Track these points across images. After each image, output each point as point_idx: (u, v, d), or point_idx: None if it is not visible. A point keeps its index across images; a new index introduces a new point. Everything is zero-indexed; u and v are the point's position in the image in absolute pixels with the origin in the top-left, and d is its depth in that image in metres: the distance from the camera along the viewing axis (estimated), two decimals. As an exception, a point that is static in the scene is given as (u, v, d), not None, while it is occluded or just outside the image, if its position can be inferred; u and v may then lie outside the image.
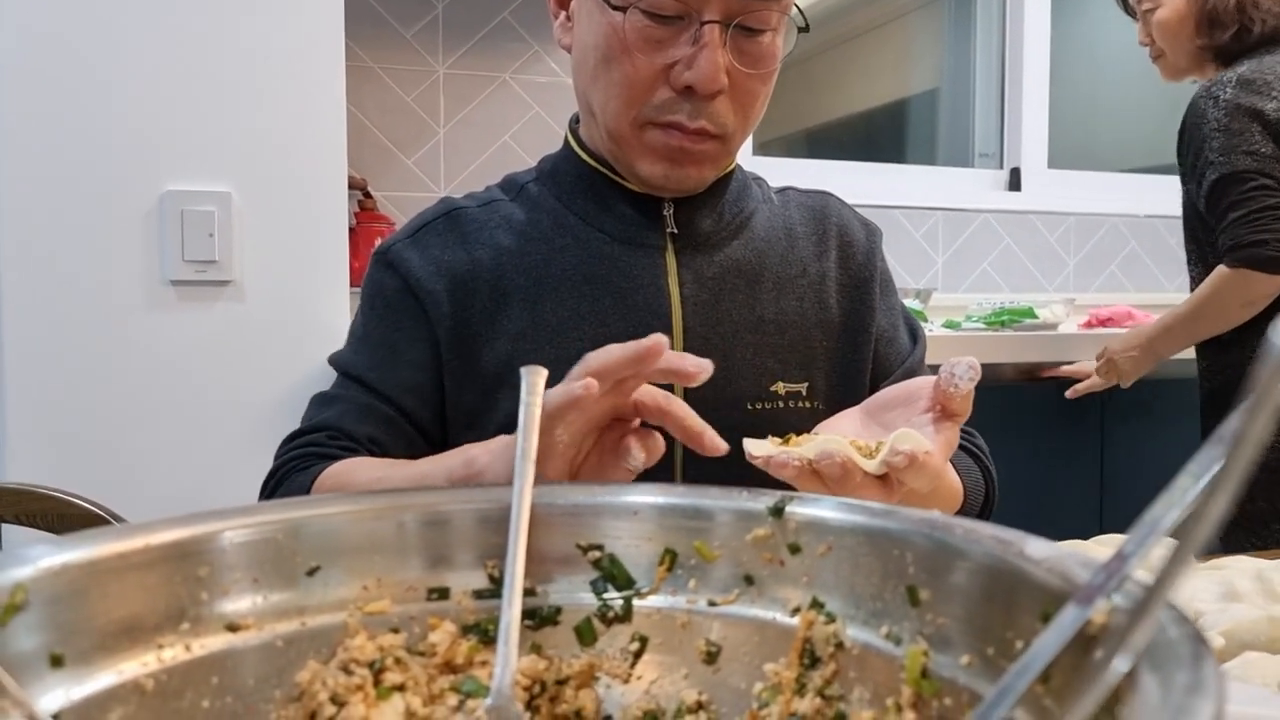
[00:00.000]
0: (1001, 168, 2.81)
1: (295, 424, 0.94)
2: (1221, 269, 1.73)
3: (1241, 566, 0.72)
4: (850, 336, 0.98)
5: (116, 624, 0.41)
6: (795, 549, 0.48)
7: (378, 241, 2.16)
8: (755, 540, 0.49)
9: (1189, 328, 1.83)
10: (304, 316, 1.71)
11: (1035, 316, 2.19)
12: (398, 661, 0.47)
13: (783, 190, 1.06)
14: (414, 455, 0.91)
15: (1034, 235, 2.75)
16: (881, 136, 3.12)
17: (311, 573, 0.48)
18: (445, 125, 2.30)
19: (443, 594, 0.50)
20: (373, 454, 0.89)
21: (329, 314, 1.72)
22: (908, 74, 3.14)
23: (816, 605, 0.46)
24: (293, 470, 0.87)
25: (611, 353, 0.64)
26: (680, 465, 0.90)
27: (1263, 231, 1.67)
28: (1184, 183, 1.86)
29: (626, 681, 0.49)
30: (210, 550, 0.45)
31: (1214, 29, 1.85)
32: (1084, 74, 3.01)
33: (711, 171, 0.93)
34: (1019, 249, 2.74)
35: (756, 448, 0.64)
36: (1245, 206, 1.69)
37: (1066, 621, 0.33)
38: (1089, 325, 2.33)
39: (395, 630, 0.48)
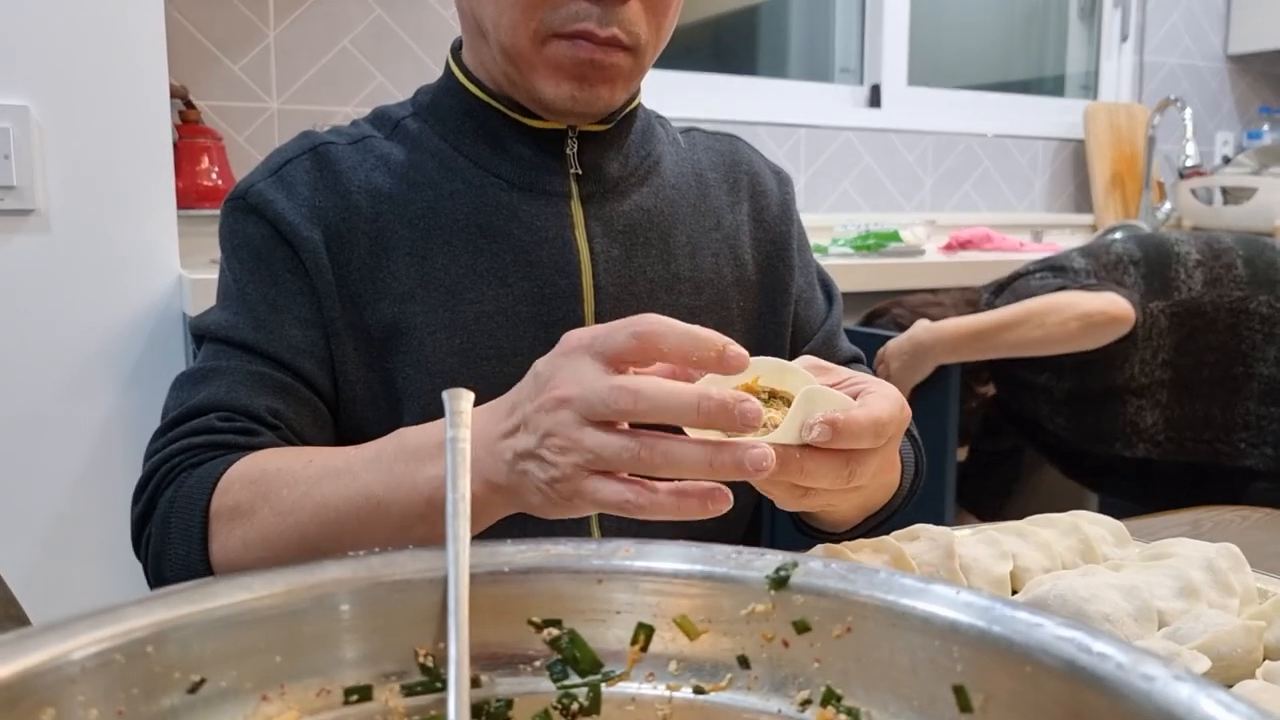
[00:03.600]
0: (862, 84, 2.77)
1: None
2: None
3: (1187, 554, 0.70)
4: (769, 297, 0.90)
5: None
6: (803, 627, 0.40)
7: (204, 159, 1.97)
8: (751, 616, 0.40)
9: (1015, 334, 1.57)
10: (124, 248, 1.50)
11: (900, 239, 2.18)
12: (314, 795, 0.37)
13: (688, 131, 0.96)
14: (320, 429, 0.79)
15: (893, 154, 2.74)
16: (731, 46, 3.02)
17: (194, 689, 0.37)
18: (276, 26, 2.06)
19: (364, 694, 0.40)
20: (276, 431, 0.75)
21: (153, 244, 1.53)
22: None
23: (833, 698, 0.39)
24: (180, 469, 0.71)
25: (682, 338, 0.51)
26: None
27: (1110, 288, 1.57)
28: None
29: (596, 786, 0.41)
30: (52, 685, 0.33)
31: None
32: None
33: (623, 91, 0.82)
34: (879, 168, 2.72)
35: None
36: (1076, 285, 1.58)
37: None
38: (949, 248, 2.35)
39: (306, 749, 0.38)
